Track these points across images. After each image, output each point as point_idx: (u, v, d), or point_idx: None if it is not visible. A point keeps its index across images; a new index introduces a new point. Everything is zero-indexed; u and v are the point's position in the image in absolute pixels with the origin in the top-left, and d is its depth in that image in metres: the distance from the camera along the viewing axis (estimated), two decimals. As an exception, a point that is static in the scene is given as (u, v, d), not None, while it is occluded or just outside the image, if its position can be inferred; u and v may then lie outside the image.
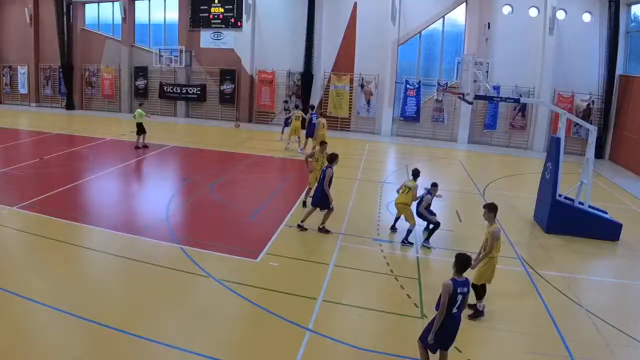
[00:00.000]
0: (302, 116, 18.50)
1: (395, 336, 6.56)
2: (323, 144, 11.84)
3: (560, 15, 21.06)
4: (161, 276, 7.85)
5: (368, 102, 23.77)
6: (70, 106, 28.08)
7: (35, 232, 9.28)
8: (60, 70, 27.79)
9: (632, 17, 20.39)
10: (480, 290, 7.05)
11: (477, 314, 7.03)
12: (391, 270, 8.41)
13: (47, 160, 15.30)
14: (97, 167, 14.89)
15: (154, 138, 19.93)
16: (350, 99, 24.03)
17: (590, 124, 14.24)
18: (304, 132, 18.47)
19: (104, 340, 6.02)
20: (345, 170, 15.45)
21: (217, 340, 6.23)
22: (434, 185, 9.75)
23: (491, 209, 7.08)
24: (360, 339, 6.31)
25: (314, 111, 18.87)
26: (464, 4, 22.23)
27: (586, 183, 10.65)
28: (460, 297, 5.22)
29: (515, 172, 17.92)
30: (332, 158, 10.07)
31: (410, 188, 9.72)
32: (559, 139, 10.66)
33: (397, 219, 10.44)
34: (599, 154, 20.14)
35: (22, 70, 28.88)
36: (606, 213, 10.91)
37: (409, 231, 9.70)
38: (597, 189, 14.01)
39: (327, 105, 24.26)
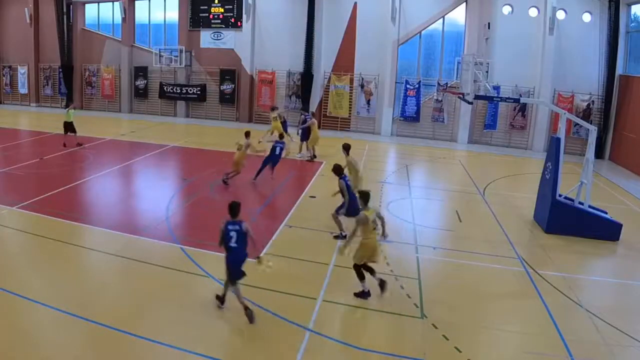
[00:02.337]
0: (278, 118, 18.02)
1: (395, 336, 6.56)
2: (248, 135, 13.03)
3: (560, 15, 21.05)
4: (161, 276, 7.85)
5: (368, 102, 23.76)
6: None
7: (35, 232, 9.28)
8: (60, 70, 27.79)
9: (632, 17, 20.38)
10: (357, 272, 7.31)
11: (360, 294, 7.30)
12: (391, 270, 8.39)
13: (47, 160, 15.30)
14: (97, 167, 14.89)
15: (154, 138, 19.96)
16: (350, 99, 24.03)
17: (590, 124, 14.23)
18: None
19: (104, 340, 6.02)
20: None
21: (217, 340, 6.23)
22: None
23: (361, 196, 7.43)
24: (360, 339, 6.31)
25: (307, 113, 18.61)
26: (464, 4, 22.24)
27: (586, 183, 10.64)
28: (233, 234, 6.57)
29: (515, 172, 17.92)
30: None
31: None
32: (559, 139, 10.66)
33: None
34: (599, 154, 20.14)
35: (22, 70, 28.88)
36: (606, 213, 10.90)
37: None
38: (597, 189, 14.01)
39: (327, 105, 24.30)
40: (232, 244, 6.56)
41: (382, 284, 7.35)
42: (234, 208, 6.76)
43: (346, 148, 10.98)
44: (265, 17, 24.67)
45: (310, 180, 14.19)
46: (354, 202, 8.97)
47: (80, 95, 28.47)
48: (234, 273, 6.56)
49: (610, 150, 20.83)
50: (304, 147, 17.37)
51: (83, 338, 6.11)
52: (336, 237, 9.56)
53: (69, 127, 17.14)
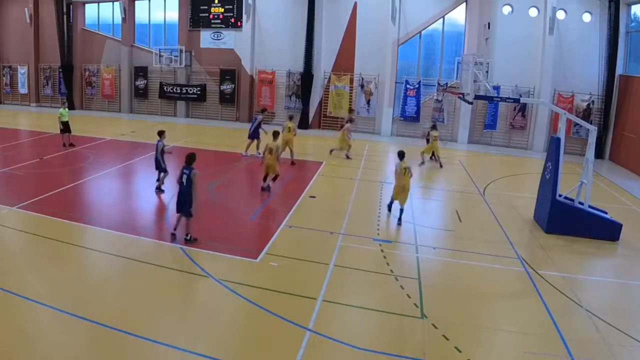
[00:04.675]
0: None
1: (395, 336, 6.56)
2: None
3: (560, 15, 21.06)
4: (161, 276, 7.85)
5: (368, 102, 23.77)
6: (70, 106, 28.03)
7: (35, 232, 9.28)
8: (60, 70, 27.79)
9: (632, 17, 20.39)
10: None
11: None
12: (391, 270, 8.40)
13: (47, 160, 15.30)
14: (97, 167, 14.89)
15: (154, 138, 19.89)
16: (350, 99, 24.04)
17: (590, 124, 14.24)
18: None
19: (104, 340, 6.02)
20: (345, 171, 15.45)
21: (217, 340, 6.23)
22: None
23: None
24: (360, 339, 6.31)
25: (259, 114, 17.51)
26: (464, 4, 22.25)
27: (586, 183, 10.64)
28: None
29: (515, 172, 17.92)
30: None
31: (406, 168, 10.70)
32: (559, 139, 10.66)
33: (392, 202, 11.36)
34: (599, 154, 20.15)
35: (22, 70, 28.90)
36: (606, 213, 10.91)
37: (402, 210, 10.87)
38: (597, 189, 14.01)
39: (327, 105, 24.30)
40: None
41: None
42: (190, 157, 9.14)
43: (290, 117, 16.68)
44: (265, 17, 24.68)
45: (310, 180, 14.19)
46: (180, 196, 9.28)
47: (80, 95, 28.48)
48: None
49: (610, 150, 20.84)
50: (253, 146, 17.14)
51: (83, 338, 6.11)
52: (187, 241, 9.09)
53: (64, 126, 17.20)
